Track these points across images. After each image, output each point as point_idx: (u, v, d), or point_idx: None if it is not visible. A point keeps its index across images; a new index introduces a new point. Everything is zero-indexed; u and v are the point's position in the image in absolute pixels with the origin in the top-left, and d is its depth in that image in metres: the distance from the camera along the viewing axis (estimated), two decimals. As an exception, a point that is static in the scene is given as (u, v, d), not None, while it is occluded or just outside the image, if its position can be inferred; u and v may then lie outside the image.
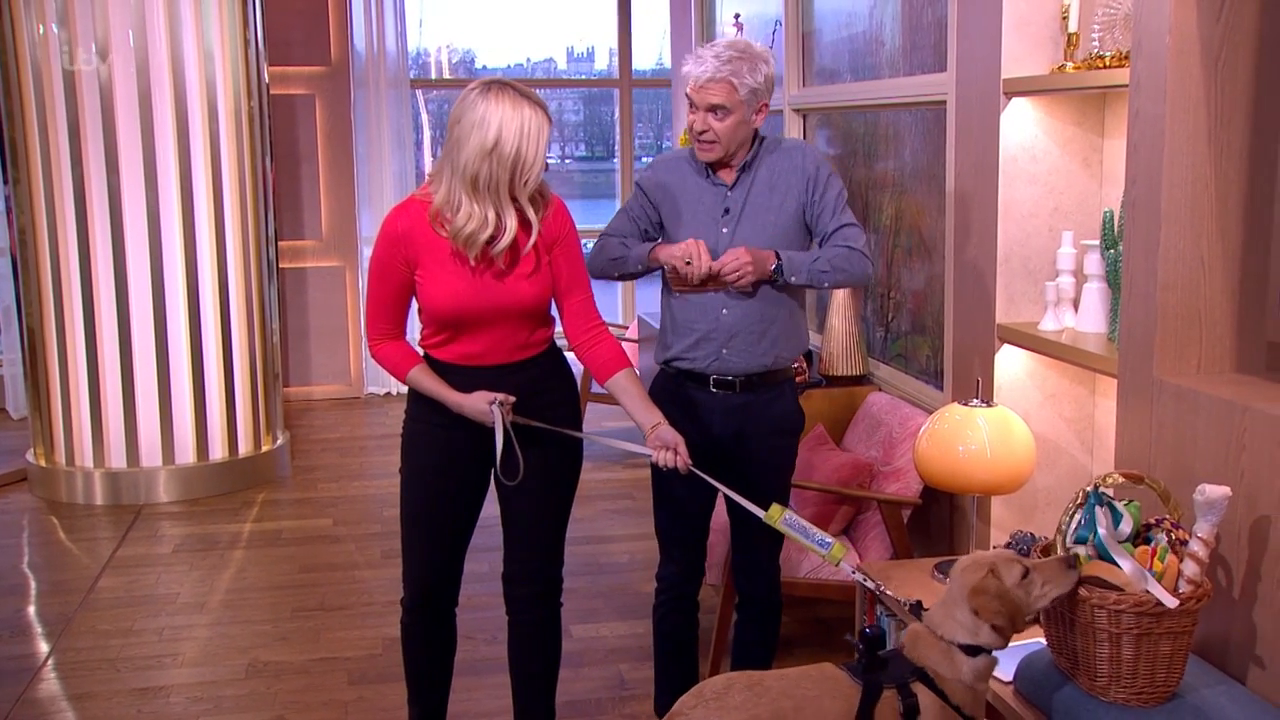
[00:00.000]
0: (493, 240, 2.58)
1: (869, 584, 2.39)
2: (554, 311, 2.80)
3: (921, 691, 2.11)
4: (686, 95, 2.84)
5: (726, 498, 2.69)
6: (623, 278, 3.02)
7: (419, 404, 2.79)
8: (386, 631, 3.97)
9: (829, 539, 2.48)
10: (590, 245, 3.05)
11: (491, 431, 2.66)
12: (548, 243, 2.71)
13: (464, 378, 2.71)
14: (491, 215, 2.56)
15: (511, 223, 2.58)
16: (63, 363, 5.46)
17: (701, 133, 2.82)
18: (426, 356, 2.77)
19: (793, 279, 2.83)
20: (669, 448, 2.65)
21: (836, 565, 2.44)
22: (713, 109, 2.79)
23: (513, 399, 2.66)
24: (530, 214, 2.62)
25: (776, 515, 2.52)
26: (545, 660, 2.96)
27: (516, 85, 2.58)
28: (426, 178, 2.69)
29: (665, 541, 3.09)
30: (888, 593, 2.37)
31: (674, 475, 2.82)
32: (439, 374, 2.73)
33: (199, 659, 3.83)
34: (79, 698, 3.58)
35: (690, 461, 2.65)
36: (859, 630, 2.26)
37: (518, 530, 2.86)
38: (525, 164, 2.53)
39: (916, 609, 2.27)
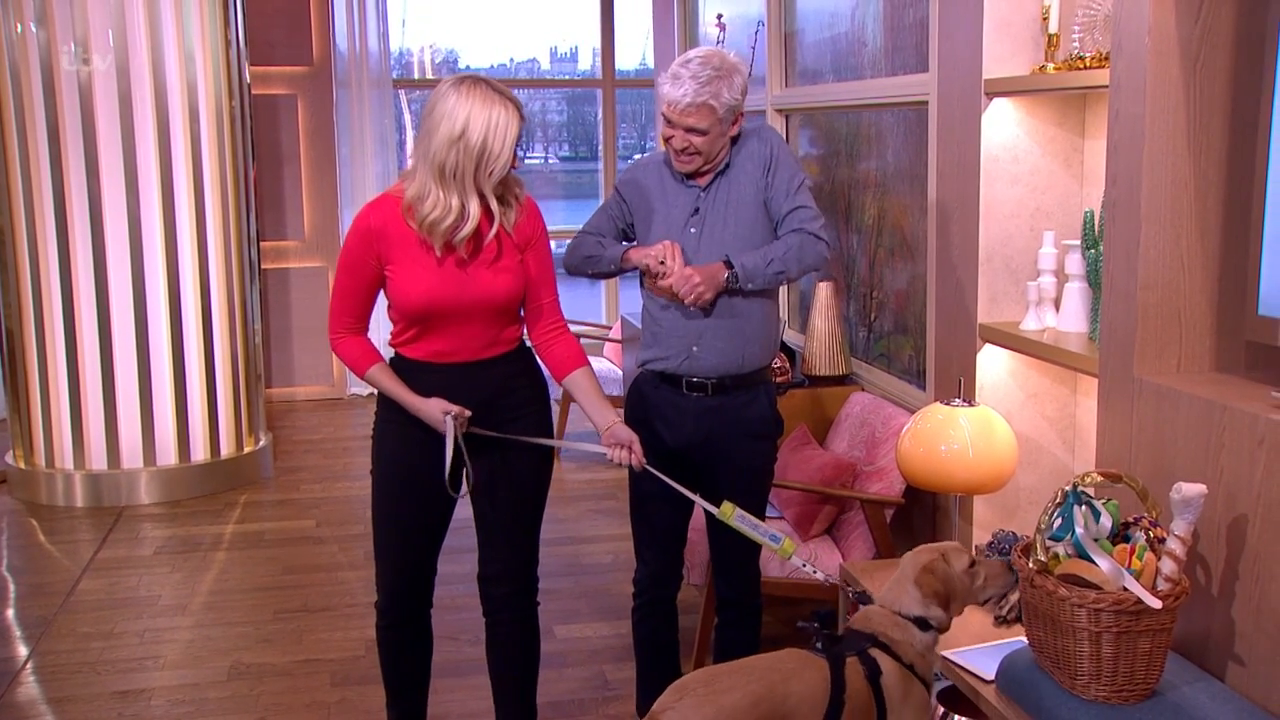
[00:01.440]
0: (455, 228, 2.60)
1: (819, 575, 2.61)
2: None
3: (879, 656, 2.32)
4: (663, 113, 2.84)
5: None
6: (596, 276, 3.03)
7: (389, 404, 2.78)
8: (369, 633, 3.94)
9: (779, 535, 2.67)
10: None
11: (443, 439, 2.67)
12: (520, 242, 2.72)
13: (434, 375, 2.71)
14: (456, 203, 2.58)
15: (475, 210, 2.59)
16: (42, 364, 5.43)
17: (682, 149, 2.82)
18: (397, 355, 2.77)
19: (749, 285, 2.82)
20: (623, 445, 2.69)
21: (787, 559, 2.66)
22: (691, 129, 2.80)
23: (468, 413, 2.67)
24: (494, 206, 2.63)
25: (729, 512, 2.66)
26: (524, 660, 2.96)
27: (490, 81, 2.60)
28: (399, 175, 2.69)
29: (640, 546, 3.09)
30: (835, 581, 2.61)
31: (649, 480, 2.84)
32: (409, 372, 2.73)
33: (181, 661, 3.81)
34: (59, 701, 3.56)
35: (644, 459, 2.68)
36: (811, 614, 2.46)
37: (491, 531, 2.86)
38: (490, 155, 2.55)
39: (864, 596, 2.50)
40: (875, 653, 2.33)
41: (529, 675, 2.97)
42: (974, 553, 2.39)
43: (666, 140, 2.87)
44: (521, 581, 2.91)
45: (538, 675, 2.99)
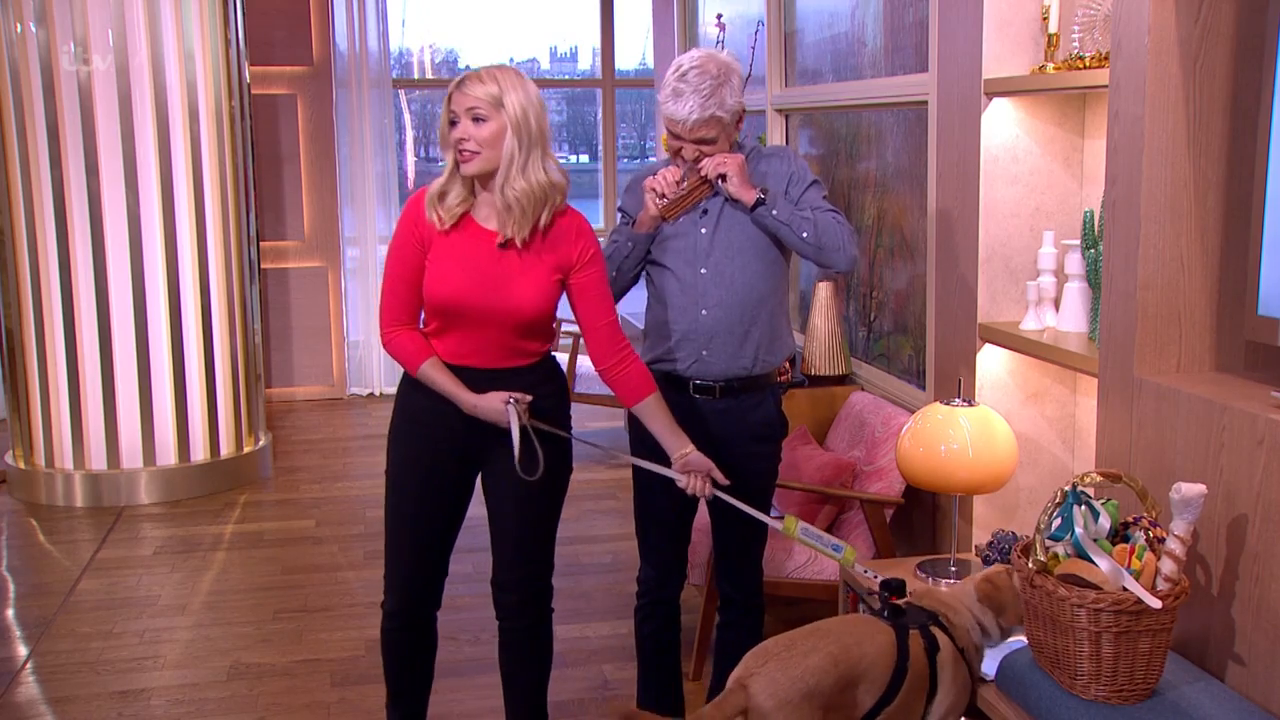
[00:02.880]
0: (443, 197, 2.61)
1: (876, 579, 2.63)
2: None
3: (938, 633, 2.41)
4: (668, 130, 2.82)
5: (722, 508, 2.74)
6: (625, 278, 2.95)
7: (404, 405, 2.77)
8: (369, 633, 3.96)
9: (841, 544, 2.71)
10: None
11: (495, 430, 2.66)
12: (562, 263, 2.66)
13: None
14: (543, 175, 2.57)
15: (558, 175, 2.59)
16: (42, 364, 5.43)
17: (694, 160, 2.82)
18: None
19: (774, 211, 2.79)
20: (698, 473, 2.68)
21: (850, 567, 2.71)
22: (701, 141, 2.79)
23: (529, 398, 2.65)
24: (503, 218, 2.61)
25: (792, 527, 2.69)
26: (536, 665, 2.93)
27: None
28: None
29: (644, 546, 3.09)
30: (876, 577, 2.64)
31: (653, 481, 2.85)
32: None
33: (180, 661, 3.81)
34: (59, 701, 3.56)
35: (720, 485, 2.69)
36: (881, 582, 2.53)
37: (506, 537, 2.82)
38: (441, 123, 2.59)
39: (901, 587, 2.54)
40: (935, 630, 2.41)
41: (541, 681, 2.95)
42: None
43: (675, 153, 2.84)
44: (534, 589, 2.86)
45: (549, 679, 2.98)
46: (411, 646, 2.92)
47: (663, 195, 2.81)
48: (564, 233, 2.66)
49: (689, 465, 2.69)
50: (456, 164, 2.59)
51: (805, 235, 2.80)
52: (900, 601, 2.48)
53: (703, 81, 2.74)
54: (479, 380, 2.67)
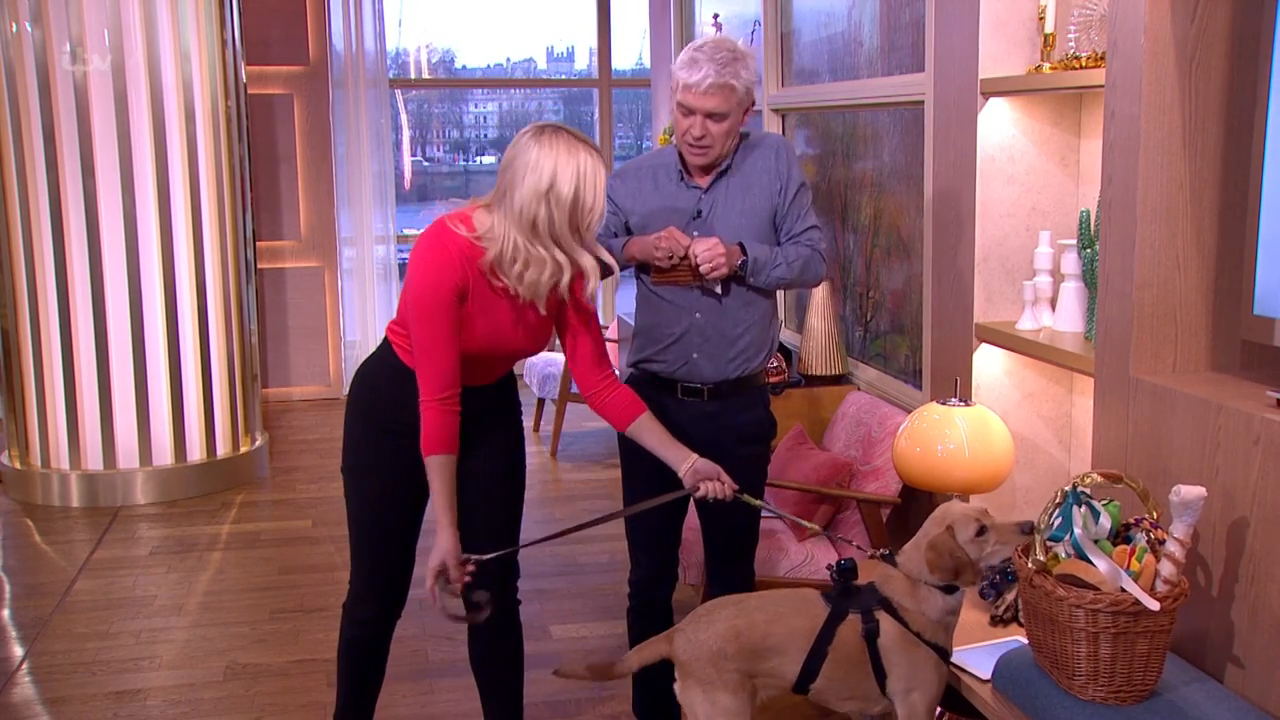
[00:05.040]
0: (556, 282, 2.51)
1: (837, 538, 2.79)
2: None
3: (884, 618, 2.44)
4: (680, 102, 2.79)
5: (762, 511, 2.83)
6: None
7: (360, 407, 2.76)
8: (366, 633, 3.95)
9: (808, 523, 2.81)
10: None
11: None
12: (563, 299, 2.66)
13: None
14: (554, 258, 2.48)
15: (582, 263, 2.51)
16: (38, 364, 5.42)
17: (699, 138, 2.80)
18: (394, 352, 2.70)
19: (752, 279, 2.84)
20: (712, 479, 2.66)
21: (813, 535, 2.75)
22: (711, 114, 2.78)
23: (470, 570, 2.59)
24: (587, 261, 2.53)
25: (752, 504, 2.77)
26: (510, 653, 2.93)
27: (570, 130, 2.50)
28: (466, 222, 2.55)
29: (634, 548, 3.08)
30: (854, 544, 2.78)
31: (642, 482, 2.87)
32: (402, 376, 2.64)
33: (177, 662, 3.81)
34: (55, 702, 3.55)
35: (735, 487, 2.68)
36: (834, 563, 2.53)
37: (472, 533, 2.79)
38: (584, 208, 2.45)
39: (889, 557, 2.54)
40: (880, 614, 2.44)
41: (515, 669, 2.95)
42: (986, 516, 2.45)
43: (683, 133, 2.82)
44: (503, 581, 2.86)
45: (523, 669, 2.97)
46: (381, 653, 2.95)
47: (670, 255, 2.78)
48: None
49: (699, 474, 2.67)
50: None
51: (784, 282, 2.89)
52: (858, 584, 2.51)
53: (719, 52, 2.75)
54: (472, 397, 2.68)
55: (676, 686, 2.54)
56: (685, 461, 2.68)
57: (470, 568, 2.60)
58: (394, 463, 2.72)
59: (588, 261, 2.52)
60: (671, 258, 2.78)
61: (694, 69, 2.75)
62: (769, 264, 2.83)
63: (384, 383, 2.74)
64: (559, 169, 2.43)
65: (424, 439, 2.56)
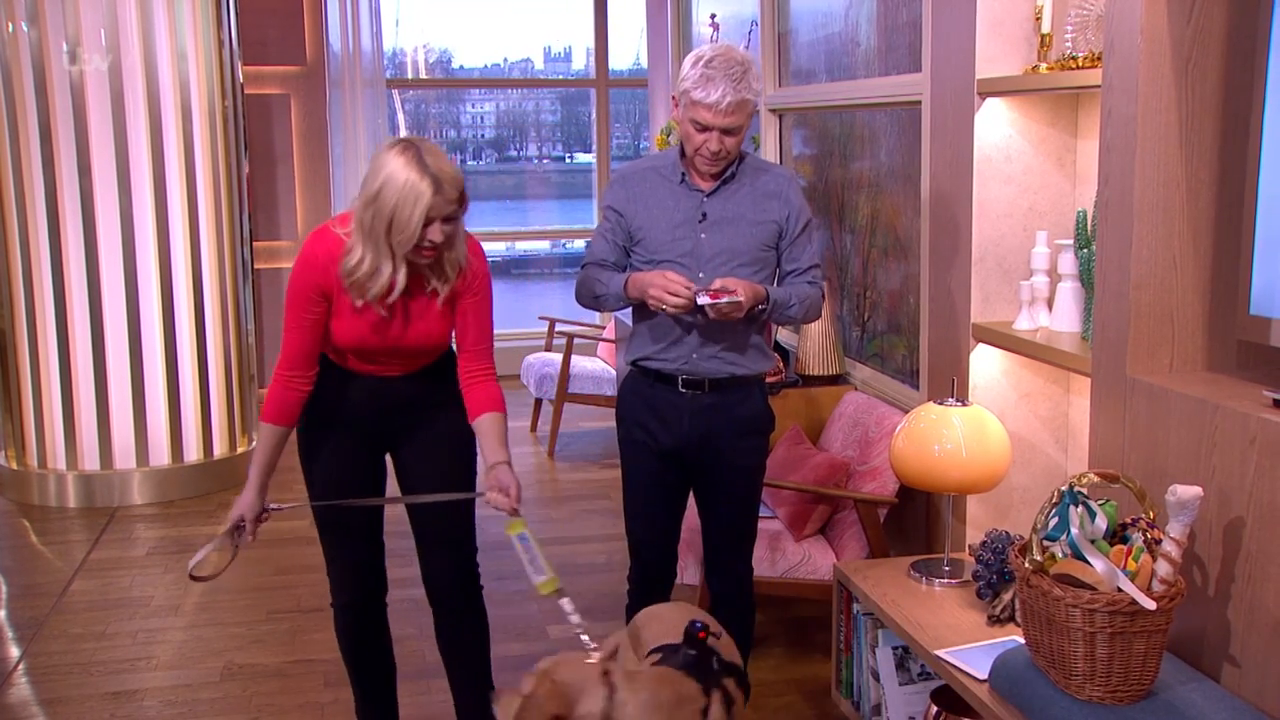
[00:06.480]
0: (367, 286, 2.61)
1: (573, 619, 2.46)
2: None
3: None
4: (694, 119, 2.77)
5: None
6: (608, 311, 3.06)
7: (311, 417, 2.81)
8: (363, 633, 3.95)
9: (547, 574, 2.57)
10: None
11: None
12: (459, 288, 2.74)
13: (357, 380, 2.79)
14: (370, 262, 2.58)
15: (387, 271, 2.59)
16: (34, 364, 5.41)
17: (716, 152, 2.80)
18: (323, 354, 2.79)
19: (761, 316, 2.88)
20: (503, 489, 2.68)
21: (548, 594, 2.57)
22: (727, 130, 2.77)
23: (250, 522, 2.75)
24: (427, 274, 2.65)
25: (518, 527, 2.63)
26: (475, 644, 2.99)
27: (426, 150, 2.56)
28: (345, 223, 2.68)
29: (634, 543, 3.09)
30: (584, 637, 2.38)
31: (642, 479, 2.95)
32: (334, 372, 2.79)
33: (174, 662, 3.80)
34: (51, 702, 3.55)
35: (516, 507, 2.66)
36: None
37: (426, 526, 2.91)
38: (398, 224, 2.53)
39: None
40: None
41: (483, 659, 3.01)
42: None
43: (697, 148, 2.80)
44: (463, 568, 2.93)
45: (489, 651, 3.03)
46: (372, 634, 3.00)
47: (680, 307, 2.77)
48: (471, 259, 2.74)
49: (495, 478, 2.70)
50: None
51: (791, 321, 2.97)
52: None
53: (731, 67, 2.74)
54: (384, 384, 2.80)
55: None
56: (492, 462, 2.72)
57: (265, 519, 2.77)
58: (336, 452, 2.82)
59: (388, 269, 2.58)
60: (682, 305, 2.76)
61: (710, 87, 2.73)
62: (784, 305, 2.87)
63: (319, 377, 2.83)
64: (388, 182, 2.51)
65: (265, 408, 2.76)
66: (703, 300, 2.72)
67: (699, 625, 2.27)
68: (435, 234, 2.56)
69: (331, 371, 2.80)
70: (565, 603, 2.55)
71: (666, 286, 2.74)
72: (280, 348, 2.77)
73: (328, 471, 2.84)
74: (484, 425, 2.77)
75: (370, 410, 2.80)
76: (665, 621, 2.47)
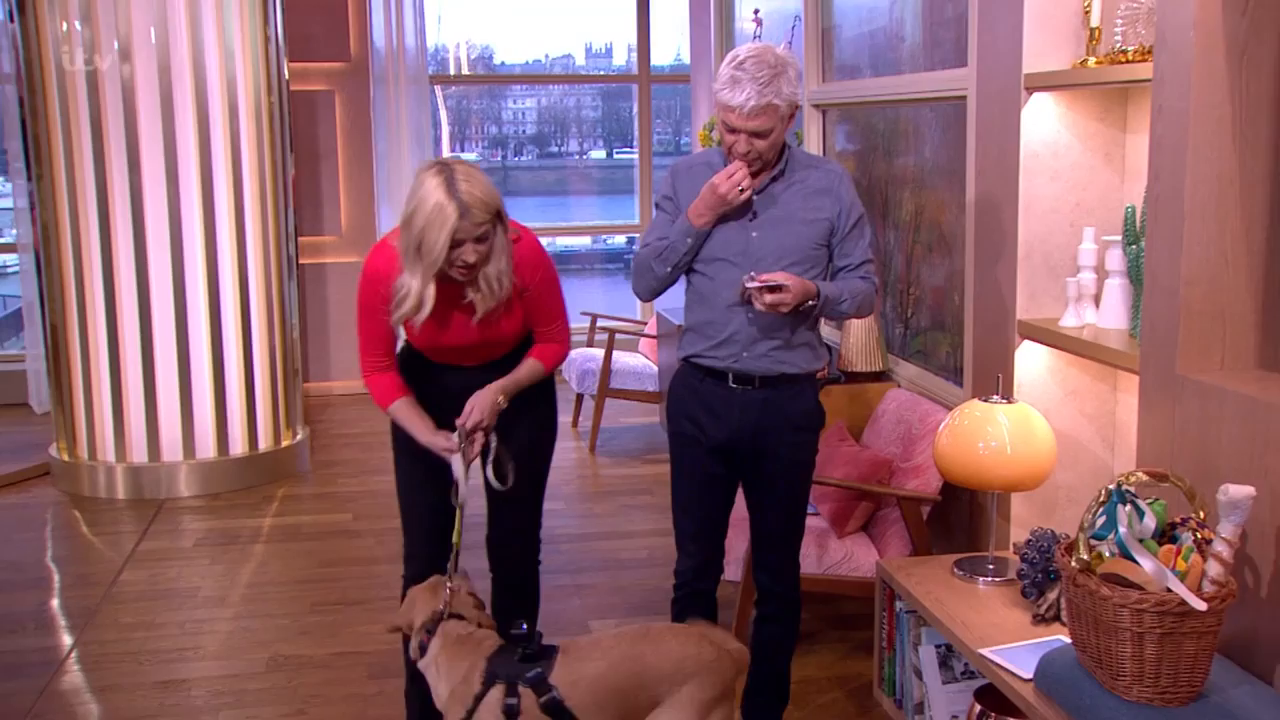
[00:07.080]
0: (411, 308, 2.70)
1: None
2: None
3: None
4: (723, 121, 2.77)
5: None
6: (675, 271, 2.91)
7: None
8: (406, 626, 3.98)
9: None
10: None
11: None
12: (518, 288, 2.82)
13: (443, 372, 2.91)
14: (409, 283, 2.67)
15: (427, 294, 2.67)
16: (85, 358, 5.50)
17: (745, 154, 2.78)
18: (406, 344, 2.94)
19: (816, 311, 2.87)
20: (470, 406, 2.83)
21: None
22: (755, 133, 2.76)
23: (480, 430, 2.85)
24: (465, 291, 2.74)
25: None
26: (527, 613, 3.10)
27: (459, 173, 2.63)
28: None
29: (682, 537, 3.09)
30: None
31: (690, 471, 2.98)
32: (418, 362, 2.93)
33: (221, 652, 3.86)
34: (102, 690, 3.61)
35: (468, 424, 2.83)
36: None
37: (497, 501, 3.01)
38: (426, 247, 2.61)
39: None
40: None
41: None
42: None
43: (729, 148, 2.80)
44: (525, 544, 3.10)
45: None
46: None
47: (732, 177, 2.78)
48: (521, 260, 2.82)
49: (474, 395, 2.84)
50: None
51: (843, 315, 2.94)
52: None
53: (760, 70, 2.72)
54: (467, 375, 2.91)
55: None
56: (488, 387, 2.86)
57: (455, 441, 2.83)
58: (427, 449, 2.93)
59: (428, 292, 2.67)
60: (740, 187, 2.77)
61: (736, 90, 2.72)
62: (835, 300, 2.86)
63: (403, 365, 2.97)
64: (419, 206, 2.61)
65: (378, 399, 2.91)
66: (750, 284, 2.73)
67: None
68: (468, 255, 2.64)
69: (415, 363, 2.94)
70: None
71: (725, 176, 2.77)
72: (360, 351, 2.92)
73: (407, 461, 3.01)
74: (524, 361, 2.92)
75: (453, 400, 2.88)
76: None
